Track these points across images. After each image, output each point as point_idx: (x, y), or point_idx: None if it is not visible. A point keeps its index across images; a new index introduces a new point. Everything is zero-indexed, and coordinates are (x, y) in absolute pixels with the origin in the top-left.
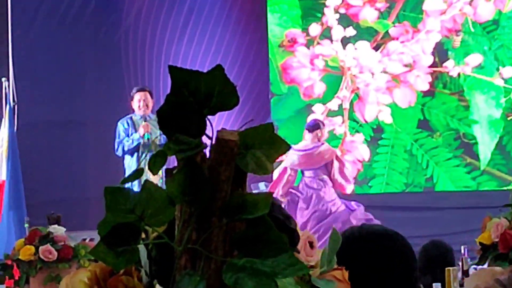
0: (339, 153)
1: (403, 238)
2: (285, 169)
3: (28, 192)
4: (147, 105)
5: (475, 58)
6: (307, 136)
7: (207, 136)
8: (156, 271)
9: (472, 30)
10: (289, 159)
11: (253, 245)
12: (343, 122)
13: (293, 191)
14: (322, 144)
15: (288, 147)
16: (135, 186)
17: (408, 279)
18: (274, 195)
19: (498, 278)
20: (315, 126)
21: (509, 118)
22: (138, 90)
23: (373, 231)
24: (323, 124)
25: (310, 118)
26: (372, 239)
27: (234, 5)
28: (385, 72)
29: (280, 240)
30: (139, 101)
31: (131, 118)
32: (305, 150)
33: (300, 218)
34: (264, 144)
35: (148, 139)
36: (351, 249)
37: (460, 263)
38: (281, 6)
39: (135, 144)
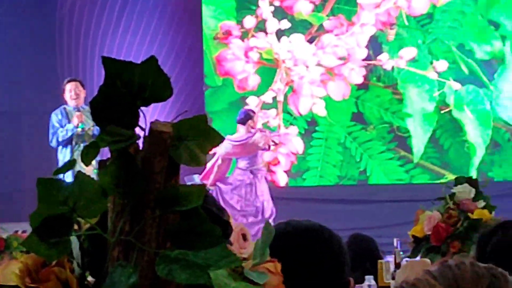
0: (272, 146)
1: (330, 231)
2: (217, 158)
3: None
4: (78, 95)
5: (409, 52)
6: (241, 129)
7: (141, 127)
8: (89, 262)
9: (406, 23)
10: (223, 148)
11: (186, 237)
12: (277, 115)
13: (220, 184)
14: (255, 132)
15: (222, 139)
16: (69, 177)
17: (337, 273)
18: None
19: (428, 269)
20: (246, 117)
21: (442, 112)
22: (68, 81)
23: (299, 225)
24: (253, 112)
25: None
26: (298, 233)
27: None
28: (319, 65)
29: (213, 232)
30: (70, 92)
31: (64, 109)
32: (239, 140)
33: (228, 209)
34: (198, 135)
35: (82, 129)
36: (278, 244)
37: (393, 256)
38: None
39: (69, 134)
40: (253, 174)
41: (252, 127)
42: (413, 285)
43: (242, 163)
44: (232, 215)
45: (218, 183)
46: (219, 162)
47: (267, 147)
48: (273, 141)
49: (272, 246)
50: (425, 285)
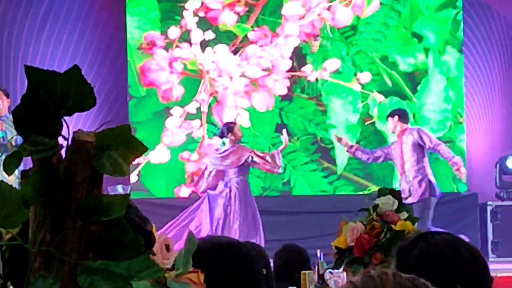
0: (196, 156)
1: (248, 250)
2: (206, 168)
3: None
4: (1, 105)
5: (333, 63)
6: (226, 141)
7: (64, 137)
8: (10, 273)
9: (331, 35)
10: (210, 161)
11: (108, 247)
12: (201, 125)
13: (211, 191)
14: (237, 144)
15: (145, 149)
16: None
17: None
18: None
19: (351, 280)
20: (228, 129)
21: (366, 123)
22: None
23: (216, 242)
24: (234, 124)
25: (168, 121)
26: (214, 250)
27: (94, 6)
28: (243, 76)
29: (136, 243)
30: None
31: None
32: (223, 152)
33: (218, 214)
34: (121, 145)
35: (2, 137)
36: (195, 261)
37: (316, 267)
38: (140, 9)
39: None
40: (239, 182)
41: (236, 138)
42: None
43: (230, 172)
44: (220, 219)
45: (208, 190)
46: (209, 169)
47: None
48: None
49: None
50: None
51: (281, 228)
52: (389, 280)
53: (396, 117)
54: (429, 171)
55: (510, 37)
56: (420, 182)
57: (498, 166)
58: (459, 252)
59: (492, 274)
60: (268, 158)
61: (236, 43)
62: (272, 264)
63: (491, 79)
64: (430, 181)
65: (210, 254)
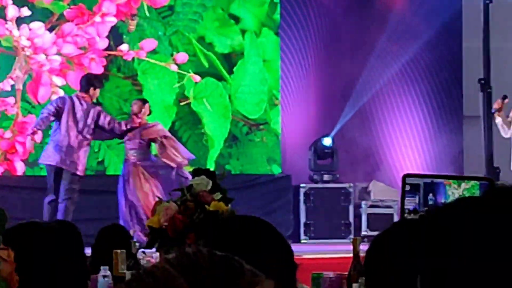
0: (10, 134)
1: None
2: None
3: None
4: None
5: (149, 43)
6: None
7: None
8: None
9: (148, 15)
10: None
11: None
12: (15, 103)
13: None
14: None
15: None
16: None
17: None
18: None
19: (166, 257)
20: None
21: (181, 104)
22: None
23: (36, 229)
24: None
25: None
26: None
27: None
28: (59, 54)
29: None
30: None
31: None
32: None
33: None
34: None
35: None
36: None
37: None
38: None
39: None
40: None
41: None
42: (150, 273)
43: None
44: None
45: None
46: None
47: None
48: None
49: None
50: (162, 273)
51: (96, 207)
52: (204, 257)
53: None
54: None
55: (326, 21)
56: None
57: (312, 148)
58: (265, 235)
59: (304, 256)
60: None
61: (52, 21)
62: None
63: (307, 63)
64: None
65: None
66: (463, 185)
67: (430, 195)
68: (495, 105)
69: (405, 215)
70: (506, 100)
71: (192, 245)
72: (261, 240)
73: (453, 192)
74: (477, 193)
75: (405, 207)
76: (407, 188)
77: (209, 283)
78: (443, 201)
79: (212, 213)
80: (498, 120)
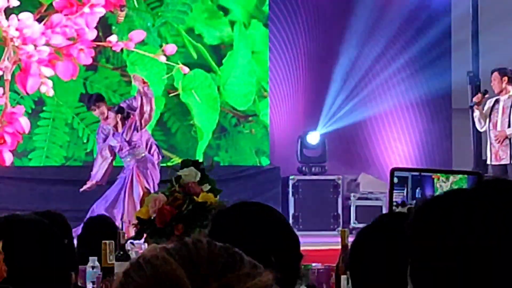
0: None
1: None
2: None
3: None
4: None
5: (138, 34)
6: None
7: None
8: None
9: (137, 6)
10: None
11: None
12: (4, 93)
13: None
14: None
15: None
16: None
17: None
18: None
19: (165, 246)
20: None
21: (170, 95)
22: None
23: (23, 220)
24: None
25: None
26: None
27: None
28: (48, 44)
29: None
30: None
31: None
32: None
33: None
34: None
35: None
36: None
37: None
38: None
39: None
40: None
41: None
42: (149, 262)
43: None
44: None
45: None
46: None
47: None
48: None
49: None
50: (161, 262)
51: (83, 198)
52: (203, 247)
53: None
54: None
55: (315, 13)
56: None
57: (300, 140)
58: (274, 225)
59: None
60: None
61: (41, 11)
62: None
63: (296, 55)
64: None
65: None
66: (451, 178)
67: (418, 188)
68: (475, 99)
69: (394, 208)
70: (487, 95)
71: (193, 235)
72: (272, 226)
73: (441, 185)
74: (465, 186)
75: (394, 199)
76: (395, 180)
77: (208, 273)
78: (431, 194)
79: (201, 204)
80: (476, 113)
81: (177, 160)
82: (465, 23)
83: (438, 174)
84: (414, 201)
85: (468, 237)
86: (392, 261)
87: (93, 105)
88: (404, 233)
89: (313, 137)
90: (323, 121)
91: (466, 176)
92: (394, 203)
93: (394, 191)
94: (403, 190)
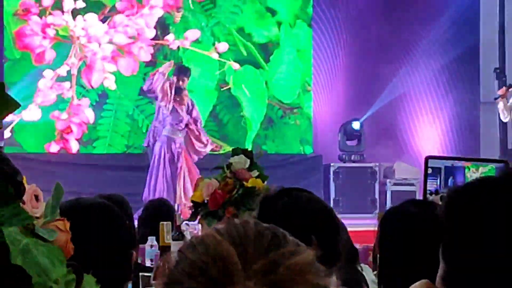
0: (66, 116)
1: (113, 210)
2: None
3: None
4: None
5: (193, 33)
6: None
7: None
8: None
9: (192, 7)
10: None
11: None
12: (71, 87)
13: None
14: None
15: (17, 105)
16: None
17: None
18: None
19: (216, 227)
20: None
21: (222, 89)
22: None
23: (86, 202)
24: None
25: (41, 82)
26: (83, 210)
27: None
28: (111, 42)
29: (6, 192)
30: None
31: None
32: None
33: None
34: None
35: None
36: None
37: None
38: None
39: None
40: None
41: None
42: (201, 240)
43: None
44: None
45: None
46: None
47: None
48: None
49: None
50: (212, 241)
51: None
52: (251, 227)
53: None
54: None
55: (355, 14)
56: None
57: (341, 131)
58: (317, 208)
59: None
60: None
61: (105, 12)
62: (139, 215)
63: (337, 52)
64: None
65: (78, 212)
66: (481, 169)
67: (451, 177)
68: (499, 92)
69: (428, 196)
70: (511, 89)
71: (240, 216)
72: (316, 211)
73: (472, 175)
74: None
75: (428, 188)
76: (429, 170)
77: (254, 251)
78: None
79: (250, 189)
80: (500, 105)
81: (228, 149)
82: (492, 23)
83: (469, 162)
84: (446, 189)
85: (497, 221)
86: (412, 244)
87: (184, 76)
88: (423, 219)
89: (353, 128)
90: (362, 114)
91: (494, 168)
92: (428, 191)
93: (428, 180)
94: (437, 179)
